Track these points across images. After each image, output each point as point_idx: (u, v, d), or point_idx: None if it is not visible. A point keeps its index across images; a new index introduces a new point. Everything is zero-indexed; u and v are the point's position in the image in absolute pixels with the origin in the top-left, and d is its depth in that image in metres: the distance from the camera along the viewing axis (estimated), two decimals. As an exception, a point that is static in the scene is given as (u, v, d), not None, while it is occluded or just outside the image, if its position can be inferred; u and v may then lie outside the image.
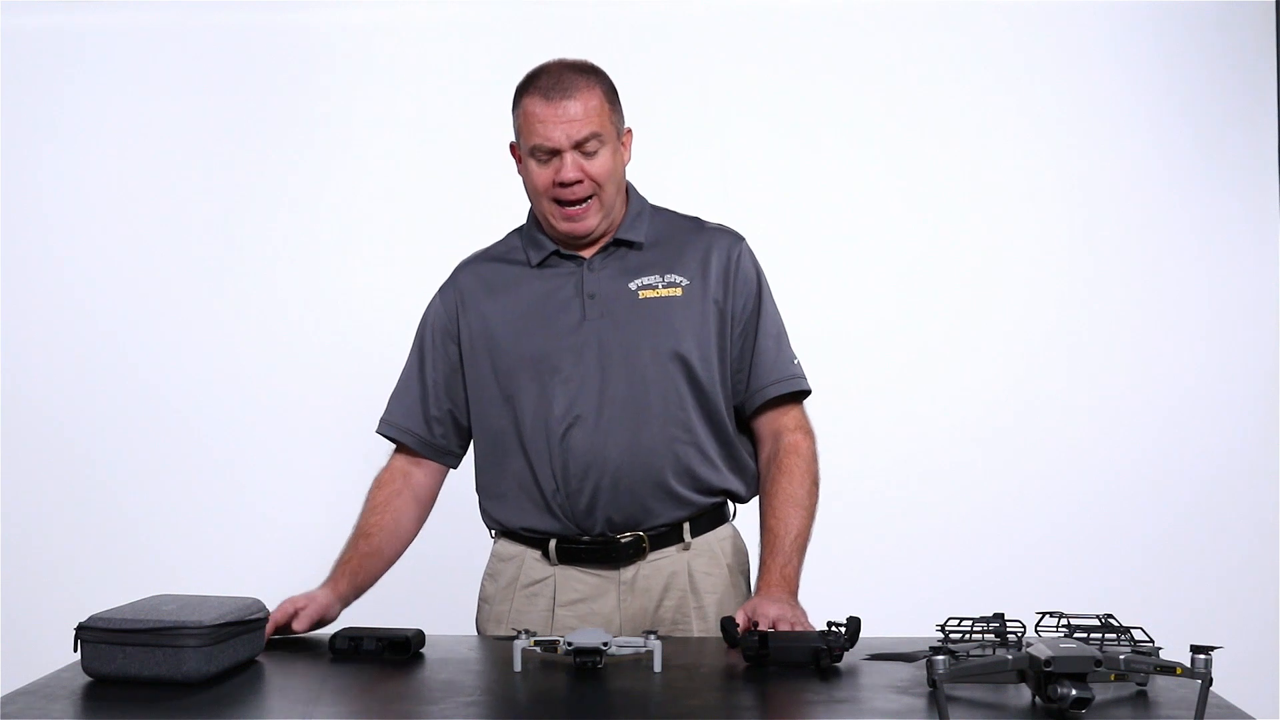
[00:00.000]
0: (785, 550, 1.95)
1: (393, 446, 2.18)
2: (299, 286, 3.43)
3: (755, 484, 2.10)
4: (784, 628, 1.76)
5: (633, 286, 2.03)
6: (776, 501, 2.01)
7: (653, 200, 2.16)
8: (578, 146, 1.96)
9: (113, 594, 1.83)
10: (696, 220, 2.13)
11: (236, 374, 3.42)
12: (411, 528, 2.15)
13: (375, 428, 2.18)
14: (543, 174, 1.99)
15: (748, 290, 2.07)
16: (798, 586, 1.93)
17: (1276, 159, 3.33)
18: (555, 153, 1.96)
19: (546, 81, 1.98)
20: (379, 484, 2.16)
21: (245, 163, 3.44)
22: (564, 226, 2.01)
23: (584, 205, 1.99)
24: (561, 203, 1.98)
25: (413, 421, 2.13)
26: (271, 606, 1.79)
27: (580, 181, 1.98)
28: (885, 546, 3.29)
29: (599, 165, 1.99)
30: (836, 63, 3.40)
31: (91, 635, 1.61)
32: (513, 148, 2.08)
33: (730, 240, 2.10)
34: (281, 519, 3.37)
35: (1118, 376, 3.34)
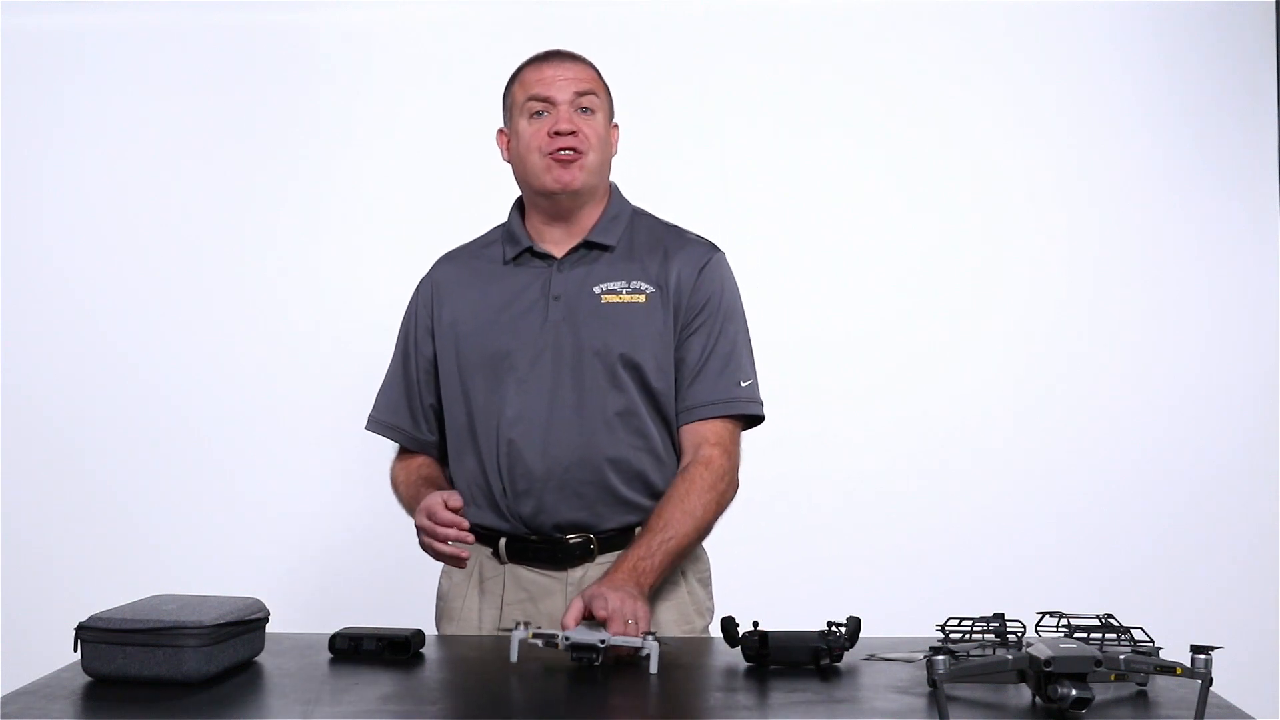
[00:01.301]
0: (650, 546, 1.88)
1: (389, 445, 2.18)
2: (299, 286, 3.43)
3: None
4: (617, 623, 1.69)
5: (597, 290, 2.02)
6: (665, 504, 1.95)
7: (650, 200, 2.16)
8: (576, 99, 2.00)
9: (113, 594, 1.83)
10: (676, 230, 2.11)
11: (236, 374, 3.42)
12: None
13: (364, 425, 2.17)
14: (536, 129, 2.00)
15: (707, 303, 2.03)
16: (650, 584, 1.85)
17: (1276, 159, 3.33)
18: (551, 106, 1.99)
19: (546, 54, 2.06)
20: (400, 467, 2.13)
21: (245, 163, 3.44)
22: (556, 174, 1.99)
23: (576, 157, 1.99)
24: (554, 155, 1.98)
25: (400, 417, 2.12)
26: (271, 606, 1.78)
27: (575, 133, 1.98)
28: (885, 546, 3.28)
29: (594, 126, 2.01)
30: (836, 63, 3.40)
31: (91, 635, 1.61)
32: (500, 134, 2.10)
33: (702, 251, 2.06)
34: (281, 519, 3.37)
35: (1117, 376, 3.34)
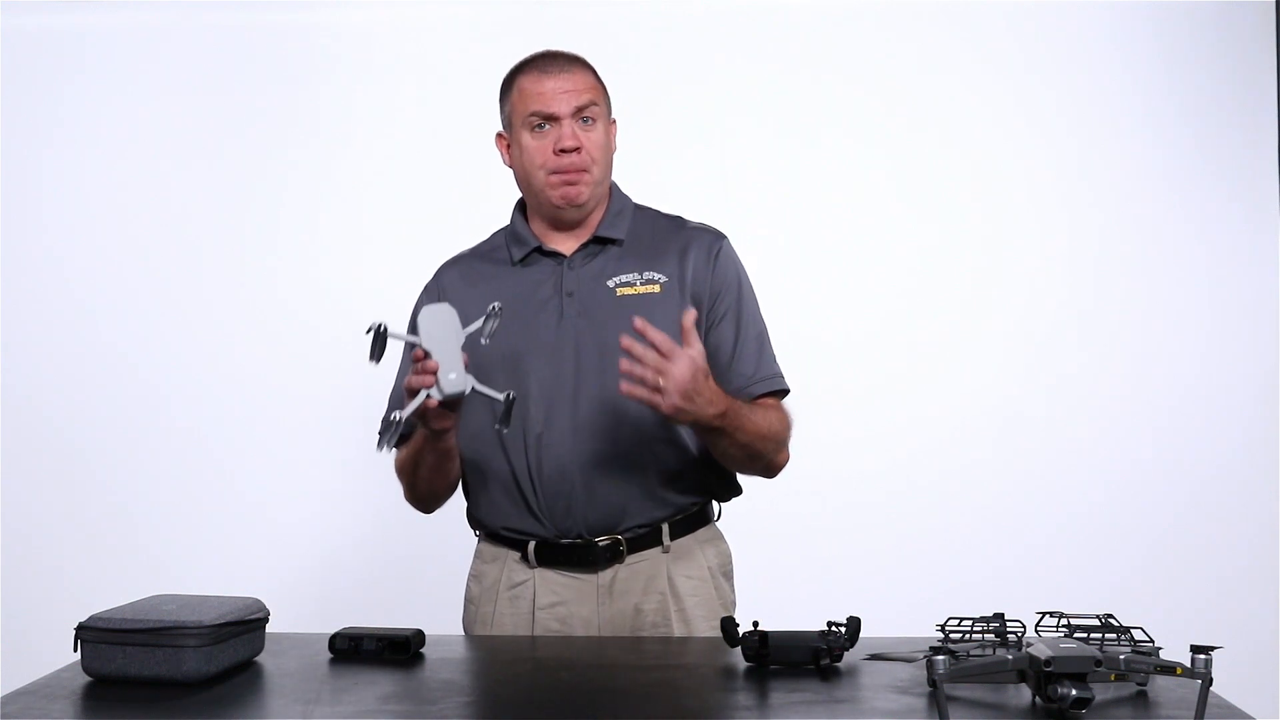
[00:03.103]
0: (738, 404, 1.93)
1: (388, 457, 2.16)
2: (299, 286, 3.43)
3: (734, 484, 2.10)
4: (676, 386, 1.78)
5: (611, 284, 2.02)
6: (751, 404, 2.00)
7: (651, 199, 2.16)
8: (577, 114, 1.99)
9: (113, 594, 1.83)
10: (678, 219, 2.13)
11: (236, 374, 3.42)
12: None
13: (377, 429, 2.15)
14: (540, 145, 2.00)
15: (726, 289, 2.05)
16: (715, 414, 1.86)
17: (1276, 159, 3.33)
18: (553, 121, 1.99)
19: (542, 60, 2.04)
20: (404, 455, 2.10)
21: (245, 163, 3.44)
22: (561, 192, 2.00)
23: (581, 174, 2.00)
24: (559, 173, 1.99)
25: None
26: (271, 606, 1.78)
27: (579, 150, 1.99)
28: (885, 546, 3.29)
29: (595, 137, 2.01)
30: (836, 63, 3.40)
31: (91, 635, 1.61)
32: (499, 138, 2.10)
33: (710, 238, 2.08)
34: (281, 519, 3.37)
35: (1117, 376, 3.34)
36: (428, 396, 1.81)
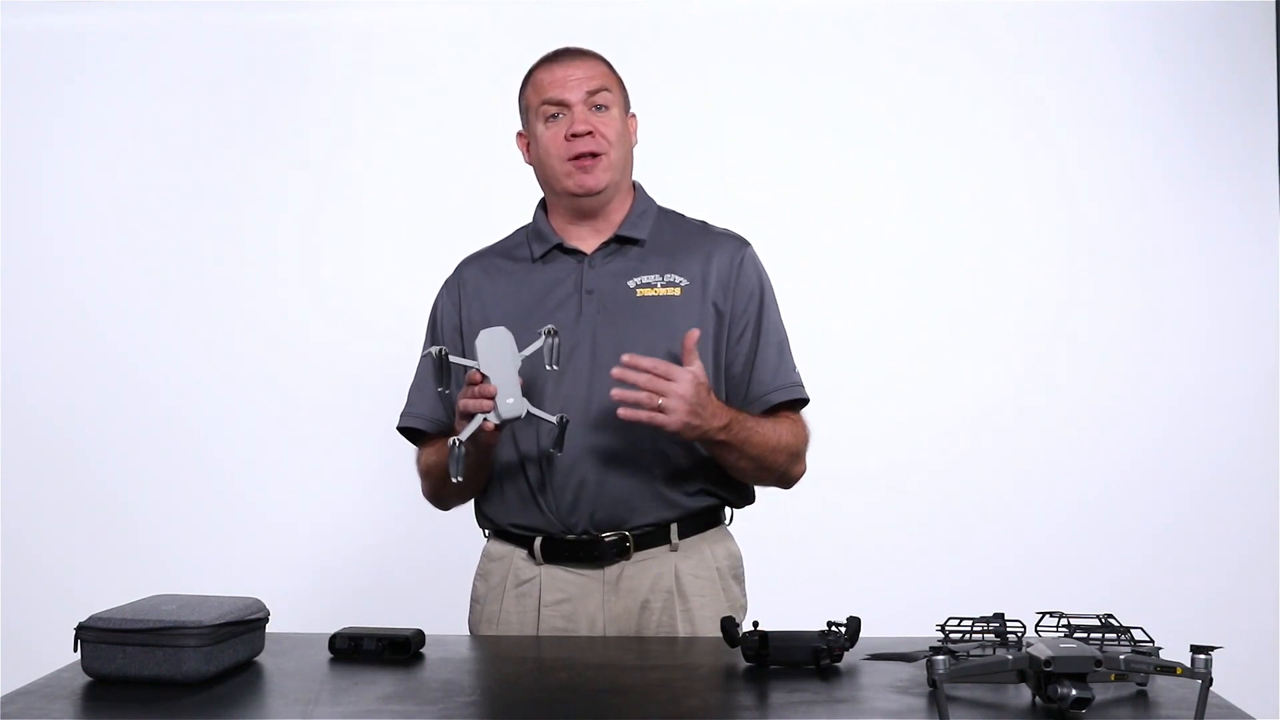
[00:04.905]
0: (745, 419, 1.94)
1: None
2: (300, 287, 3.43)
3: (748, 490, 2.09)
4: (682, 402, 1.81)
5: (631, 284, 2.03)
6: (763, 417, 2.01)
7: (655, 200, 2.16)
8: (589, 98, 2.01)
9: (113, 594, 1.83)
10: (703, 224, 2.13)
11: (236, 374, 3.42)
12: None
13: (396, 424, 2.14)
14: (554, 133, 2.01)
15: (749, 296, 2.05)
16: (721, 429, 1.89)
17: (1276, 159, 3.33)
18: (565, 108, 2.01)
19: (555, 54, 2.07)
20: (429, 451, 2.09)
21: (245, 163, 3.45)
22: (578, 179, 2.01)
23: (595, 159, 2.00)
24: (574, 160, 2.00)
25: (438, 412, 2.09)
26: (271, 606, 1.78)
27: (591, 133, 2.00)
28: (885, 546, 3.29)
29: (609, 122, 2.02)
30: (836, 63, 3.40)
31: (91, 635, 1.61)
32: (519, 137, 2.11)
33: (735, 245, 2.09)
34: (281, 519, 3.37)
35: (1117, 376, 3.34)
36: (484, 420, 1.83)
